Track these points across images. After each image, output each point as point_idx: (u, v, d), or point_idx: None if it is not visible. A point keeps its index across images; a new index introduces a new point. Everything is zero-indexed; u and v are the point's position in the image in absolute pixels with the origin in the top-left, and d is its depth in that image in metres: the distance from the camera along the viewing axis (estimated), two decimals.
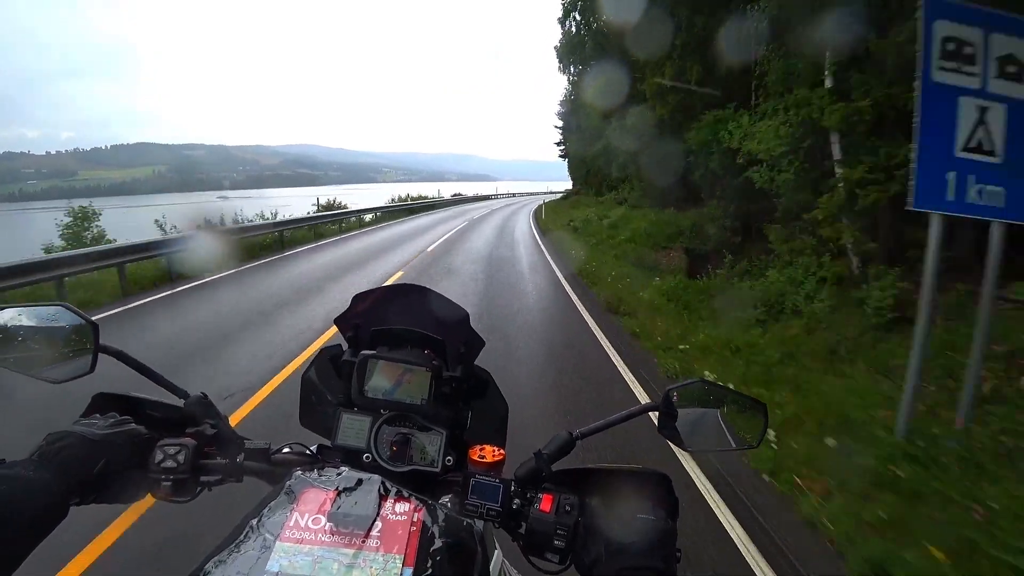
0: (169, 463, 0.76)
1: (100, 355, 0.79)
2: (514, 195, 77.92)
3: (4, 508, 0.57)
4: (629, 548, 0.68)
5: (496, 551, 0.93)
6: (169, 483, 0.76)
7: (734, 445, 0.84)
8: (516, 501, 0.77)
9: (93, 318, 0.81)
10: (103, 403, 0.82)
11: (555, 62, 29.74)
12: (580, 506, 0.75)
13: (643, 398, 4.50)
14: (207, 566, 0.54)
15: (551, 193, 66.73)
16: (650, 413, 0.85)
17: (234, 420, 1.32)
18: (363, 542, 0.57)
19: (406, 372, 0.89)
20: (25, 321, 0.78)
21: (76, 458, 0.68)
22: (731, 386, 0.87)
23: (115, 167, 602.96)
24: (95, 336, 0.79)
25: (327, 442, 0.90)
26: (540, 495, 0.77)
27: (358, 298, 1.03)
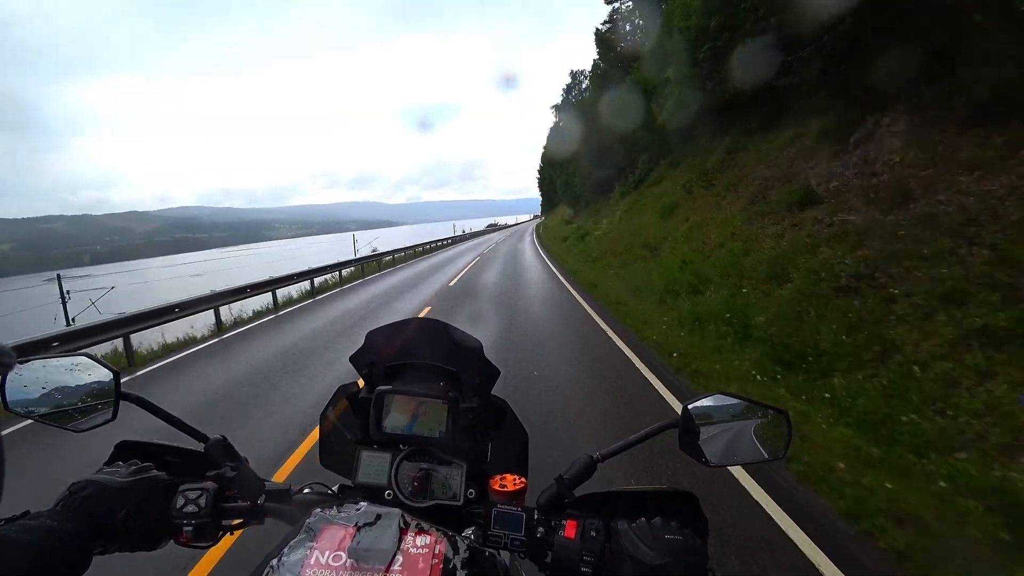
0: (190, 508, 0.79)
1: (122, 403, 0.84)
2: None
3: (30, 559, 0.61)
4: (659, 570, 0.68)
5: None
6: (191, 528, 0.78)
7: (758, 456, 0.84)
8: (540, 529, 0.79)
9: None
10: (125, 451, 0.86)
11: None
12: (606, 530, 0.76)
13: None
14: None
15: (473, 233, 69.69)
16: (669, 431, 0.86)
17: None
18: None
19: (422, 405, 0.92)
20: (50, 372, 0.82)
21: (99, 507, 0.72)
22: (751, 396, 0.87)
23: None
24: (117, 384, 0.84)
25: (348, 481, 0.93)
26: (564, 521, 0.78)
27: (372, 335, 1.06)
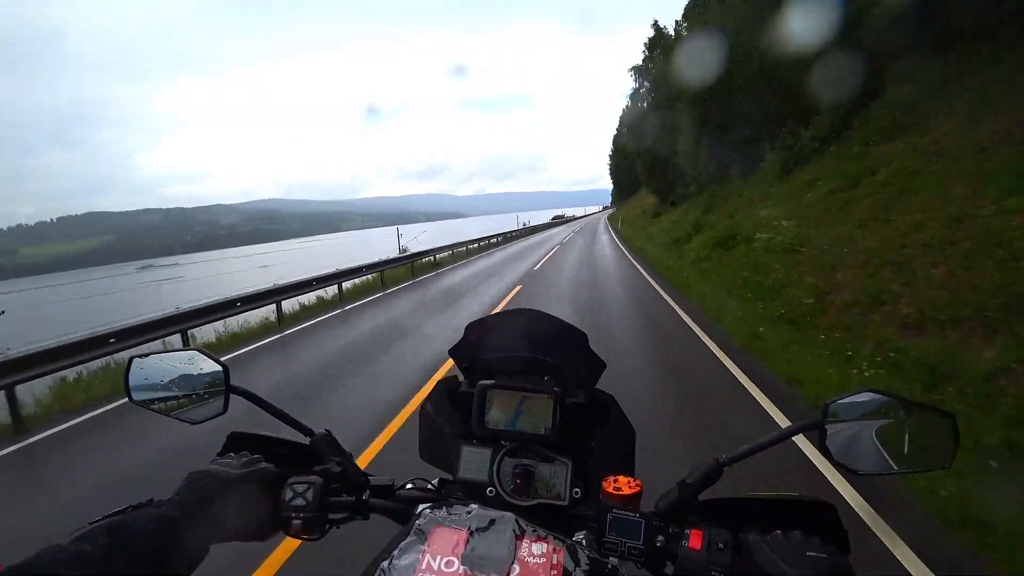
0: (299, 501, 0.80)
1: (232, 396, 0.87)
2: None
3: (155, 546, 0.64)
4: None
5: None
6: (300, 521, 0.80)
7: (915, 465, 0.74)
8: (660, 538, 0.73)
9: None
10: (236, 442, 0.90)
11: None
12: (735, 542, 0.70)
13: None
14: None
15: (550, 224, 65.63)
16: (807, 434, 0.78)
17: None
18: None
19: (526, 400, 0.89)
20: (164, 367, 0.87)
21: (214, 497, 0.75)
22: (903, 394, 0.75)
23: (60, 240, 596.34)
24: (226, 378, 0.87)
25: (449, 476, 0.93)
26: (687, 531, 0.72)
27: (471, 327, 1.04)
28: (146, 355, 0.87)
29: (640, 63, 43.70)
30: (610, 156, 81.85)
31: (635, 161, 41.74)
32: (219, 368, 0.87)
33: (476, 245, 28.31)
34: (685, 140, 23.86)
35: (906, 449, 0.73)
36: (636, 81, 44.29)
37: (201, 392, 0.87)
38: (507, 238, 36.89)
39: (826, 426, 0.74)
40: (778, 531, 0.68)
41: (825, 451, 0.74)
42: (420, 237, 23.73)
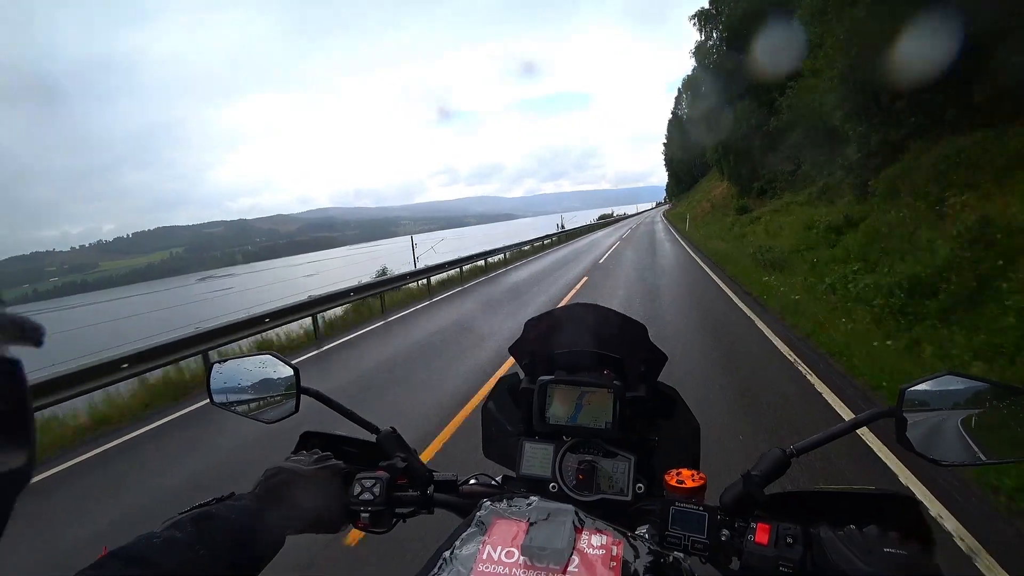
0: (367, 495, 0.85)
1: (302, 396, 0.93)
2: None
3: (238, 536, 0.70)
4: None
5: None
6: (368, 515, 0.85)
7: (1005, 454, 0.68)
8: (724, 532, 0.72)
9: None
10: (309, 440, 0.97)
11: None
12: (805, 537, 0.68)
13: None
14: None
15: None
16: (884, 422, 0.74)
17: None
18: None
19: (586, 395, 0.89)
20: (241, 371, 0.94)
21: (289, 491, 0.81)
22: (990, 378, 0.68)
23: (135, 255, 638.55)
24: (297, 380, 0.93)
25: (512, 473, 0.94)
26: (754, 524, 0.71)
27: (531, 324, 1.05)
28: (224, 360, 0.95)
29: (707, 6, 30.32)
30: (664, 144, 74.87)
31: (703, 145, 33.76)
32: (290, 370, 0.93)
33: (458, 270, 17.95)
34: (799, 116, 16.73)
35: (993, 437, 0.67)
36: (702, 31, 30.43)
37: (275, 394, 0.93)
38: (535, 247, 28.07)
39: (904, 413, 0.70)
40: (852, 526, 0.65)
41: (903, 440, 0.70)
42: (438, 247, 20.32)
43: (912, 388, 0.71)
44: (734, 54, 25.23)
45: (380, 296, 12.58)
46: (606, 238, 34.02)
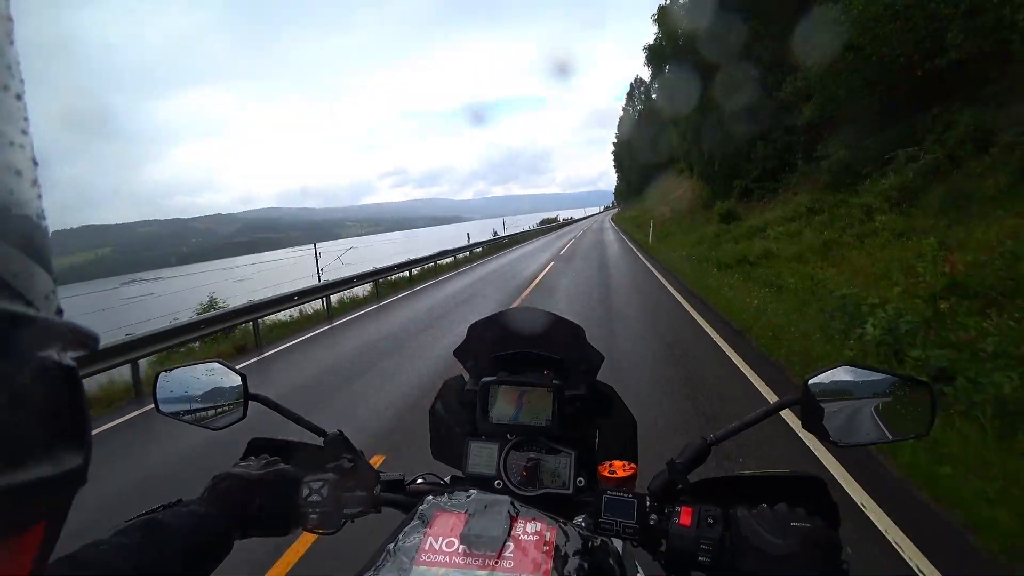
0: (315, 497, 0.87)
1: (250, 403, 0.95)
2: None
3: (184, 541, 0.71)
4: (787, 561, 0.65)
5: (639, 574, 0.98)
6: (316, 515, 0.87)
7: (894, 434, 0.77)
8: (653, 516, 0.78)
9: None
10: (257, 446, 0.98)
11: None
12: (724, 518, 0.74)
13: None
14: None
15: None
16: (790, 409, 0.82)
17: None
18: (496, 563, 0.60)
19: (526, 394, 0.95)
20: (188, 379, 0.95)
21: (238, 496, 0.83)
22: (882, 368, 0.78)
23: (56, 255, 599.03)
24: (245, 386, 0.95)
25: (460, 473, 0.98)
26: (678, 508, 0.76)
27: (474, 327, 1.10)
28: (171, 369, 0.95)
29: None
30: (614, 144, 70.98)
31: (662, 138, 29.43)
32: (238, 377, 0.95)
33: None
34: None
35: (885, 420, 0.76)
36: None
37: (223, 401, 0.95)
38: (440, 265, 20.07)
39: (807, 401, 0.78)
40: (765, 505, 0.72)
41: (807, 425, 0.79)
42: (345, 256, 16.72)
43: (813, 380, 0.79)
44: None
45: (253, 323, 9.85)
46: (557, 241, 29.72)
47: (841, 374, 0.79)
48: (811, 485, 0.76)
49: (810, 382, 0.79)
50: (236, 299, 11.00)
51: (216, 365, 0.96)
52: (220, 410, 0.95)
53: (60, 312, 0.24)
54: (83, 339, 0.24)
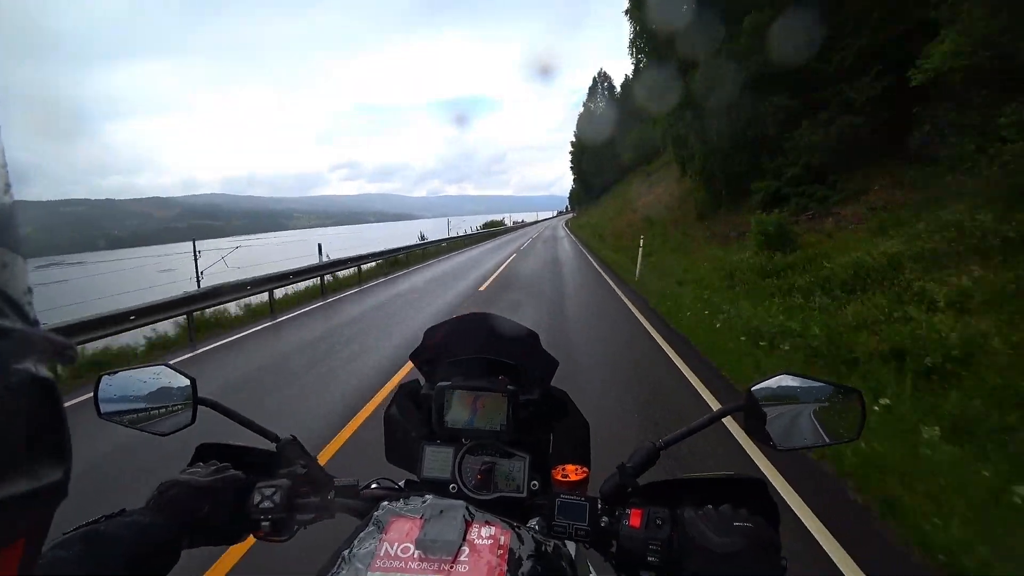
0: (266, 504, 0.85)
1: (199, 407, 0.93)
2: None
3: (127, 552, 0.70)
4: (731, 559, 0.68)
5: (591, 574, 1.01)
6: (268, 523, 0.85)
7: (829, 438, 0.82)
8: (604, 519, 0.81)
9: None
10: (205, 452, 0.95)
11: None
12: (672, 519, 0.76)
13: None
14: None
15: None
16: (734, 415, 0.86)
17: None
18: (451, 568, 0.61)
19: (482, 398, 0.96)
20: (133, 382, 0.91)
21: (185, 504, 0.80)
22: (818, 376, 0.84)
23: None
24: (194, 390, 0.93)
25: (415, 477, 0.98)
26: (628, 511, 0.79)
27: (430, 332, 1.11)
28: (115, 371, 0.92)
29: None
30: (572, 143, 67.25)
31: (645, 124, 24.05)
32: (187, 381, 0.93)
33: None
34: None
35: (820, 425, 0.82)
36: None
37: (170, 405, 0.92)
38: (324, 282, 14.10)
39: (750, 407, 0.83)
40: (710, 506, 0.75)
41: (749, 430, 0.84)
42: (229, 258, 12.82)
43: (756, 387, 0.84)
44: None
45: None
46: (486, 261, 21.09)
47: (781, 382, 0.84)
48: (753, 486, 0.80)
49: (753, 388, 0.84)
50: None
51: (164, 368, 0.93)
52: (167, 414, 0.92)
53: (36, 322, 0.23)
54: (60, 350, 0.23)
